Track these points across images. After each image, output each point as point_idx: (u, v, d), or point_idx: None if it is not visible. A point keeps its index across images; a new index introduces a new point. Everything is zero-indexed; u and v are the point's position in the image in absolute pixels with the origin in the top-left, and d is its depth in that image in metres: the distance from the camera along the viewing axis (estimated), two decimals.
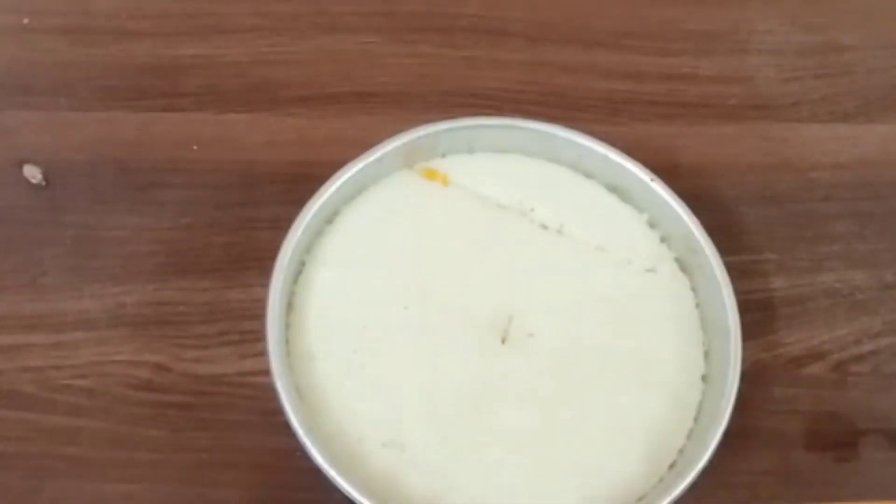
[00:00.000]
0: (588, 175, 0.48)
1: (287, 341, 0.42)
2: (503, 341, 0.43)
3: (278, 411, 0.43)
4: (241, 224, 0.49)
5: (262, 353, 0.44)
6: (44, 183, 0.49)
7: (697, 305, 0.46)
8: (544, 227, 0.47)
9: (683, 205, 0.46)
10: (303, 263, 0.44)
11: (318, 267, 0.44)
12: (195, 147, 0.51)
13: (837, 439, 0.46)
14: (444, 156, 0.48)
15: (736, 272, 0.45)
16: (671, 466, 0.41)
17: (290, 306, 0.43)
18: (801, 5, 0.60)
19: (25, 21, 0.54)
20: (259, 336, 0.41)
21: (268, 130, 0.52)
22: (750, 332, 0.47)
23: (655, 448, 0.41)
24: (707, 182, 0.52)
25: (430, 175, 0.47)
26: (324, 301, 0.43)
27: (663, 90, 0.56)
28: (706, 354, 0.45)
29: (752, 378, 0.47)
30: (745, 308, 0.44)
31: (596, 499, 0.40)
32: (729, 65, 0.57)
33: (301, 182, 0.45)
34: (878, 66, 0.58)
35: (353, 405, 0.41)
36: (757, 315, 0.48)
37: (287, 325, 0.42)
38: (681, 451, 0.42)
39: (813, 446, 0.45)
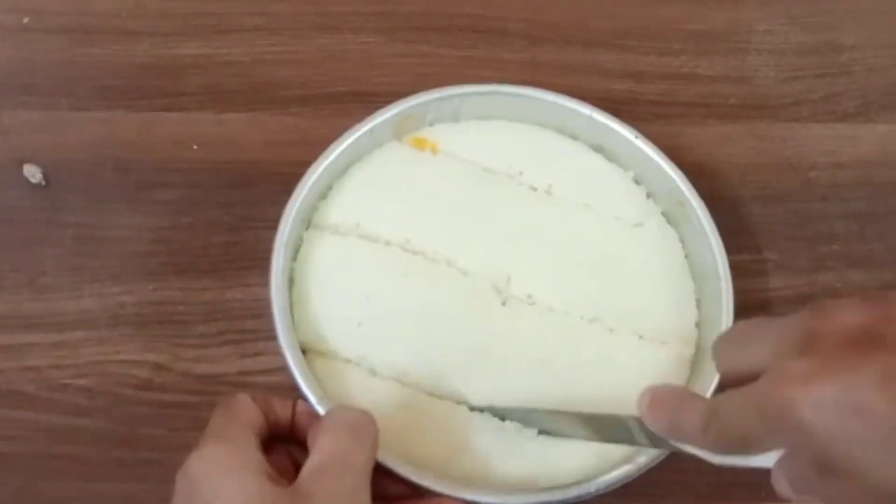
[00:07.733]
0: (573, 136, 0.49)
1: (293, 317, 0.42)
2: (503, 303, 0.44)
3: None
4: (241, 224, 0.49)
5: (262, 353, 0.45)
6: (44, 183, 0.49)
7: (686, 256, 0.46)
8: (533, 189, 0.47)
9: (668, 159, 0.47)
10: (300, 239, 0.45)
11: (315, 241, 0.44)
12: (195, 147, 0.51)
13: None
14: (431, 125, 0.49)
15: (736, 272, 0.45)
16: None
17: (290, 282, 0.43)
18: (801, 5, 0.60)
19: (25, 21, 0.54)
20: (259, 335, 0.41)
21: (268, 130, 0.52)
22: None
23: None
24: (707, 182, 0.52)
25: (420, 144, 0.48)
26: (324, 276, 0.43)
27: (663, 90, 0.56)
28: (698, 302, 0.45)
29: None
30: (745, 308, 0.44)
31: (597, 449, 0.41)
32: (729, 65, 0.57)
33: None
34: (877, 66, 0.58)
35: (362, 374, 0.41)
36: (757, 315, 0.48)
37: (291, 303, 0.42)
38: None
39: None
